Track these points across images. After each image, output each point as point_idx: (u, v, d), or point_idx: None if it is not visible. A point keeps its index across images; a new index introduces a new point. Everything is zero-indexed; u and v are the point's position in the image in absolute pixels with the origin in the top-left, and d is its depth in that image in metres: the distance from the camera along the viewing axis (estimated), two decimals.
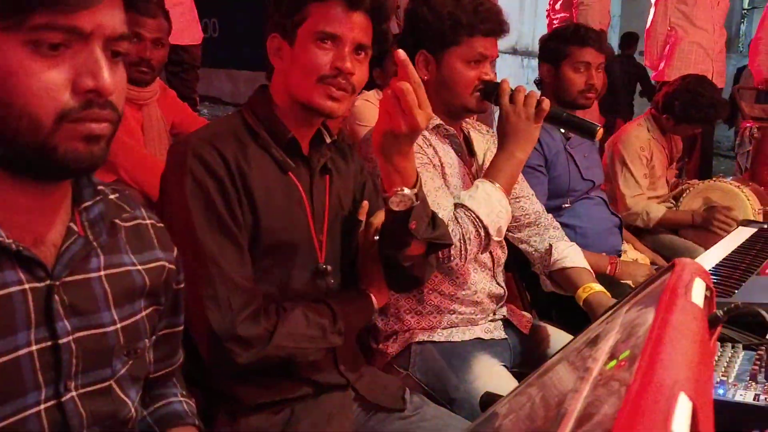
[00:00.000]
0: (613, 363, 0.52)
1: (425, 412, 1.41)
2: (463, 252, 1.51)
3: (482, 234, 1.52)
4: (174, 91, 2.56)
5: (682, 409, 0.37)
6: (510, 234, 1.87)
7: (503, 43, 5.07)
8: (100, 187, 0.90)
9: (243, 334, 1.17)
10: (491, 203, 1.53)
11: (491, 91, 1.62)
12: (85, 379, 0.84)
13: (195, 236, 1.18)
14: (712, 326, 0.58)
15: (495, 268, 1.77)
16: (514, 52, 6.98)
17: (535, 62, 7.01)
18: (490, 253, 1.74)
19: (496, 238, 1.56)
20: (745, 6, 7.87)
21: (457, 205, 1.54)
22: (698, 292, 0.59)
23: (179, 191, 1.19)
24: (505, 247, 1.84)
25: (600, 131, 1.60)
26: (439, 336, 1.67)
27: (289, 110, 1.29)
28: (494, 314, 1.78)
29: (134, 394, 0.92)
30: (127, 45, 0.80)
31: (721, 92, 3.98)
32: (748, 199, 2.84)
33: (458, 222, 1.51)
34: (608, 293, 1.72)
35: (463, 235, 1.50)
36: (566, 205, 2.38)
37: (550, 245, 1.84)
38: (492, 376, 1.57)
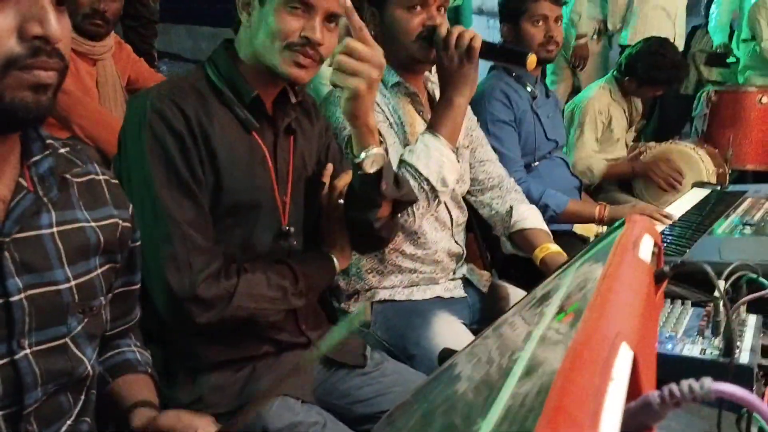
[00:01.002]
0: (562, 315, 0.54)
1: (385, 368, 1.43)
2: (410, 209, 1.51)
3: (425, 187, 1.52)
4: (130, 46, 2.48)
5: (623, 358, 0.39)
6: (473, 198, 1.89)
7: (469, 4, 4.98)
8: (49, 141, 0.88)
9: (203, 295, 1.16)
10: (431, 154, 1.52)
11: (431, 36, 1.57)
12: (39, 337, 0.84)
13: (154, 194, 1.16)
14: (658, 281, 0.60)
15: (453, 227, 1.78)
16: (480, 12, 6.91)
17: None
18: (449, 212, 1.76)
19: (441, 188, 1.54)
20: None
21: (399, 163, 1.53)
22: (646, 249, 0.61)
23: (138, 147, 1.17)
24: (464, 207, 1.85)
25: (532, 58, 1.55)
26: (401, 295, 1.69)
27: (253, 68, 1.26)
28: (454, 273, 1.81)
29: (90, 352, 0.92)
30: None
31: (682, 55, 4.04)
32: (703, 161, 2.91)
33: None
34: (564, 253, 1.76)
35: None
36: (535, 164, 2.40)
37: (511, 207, 1.86)
38: (451, 333, 1.60)
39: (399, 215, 1.47)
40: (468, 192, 1.87)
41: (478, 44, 1.53)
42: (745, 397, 0.37)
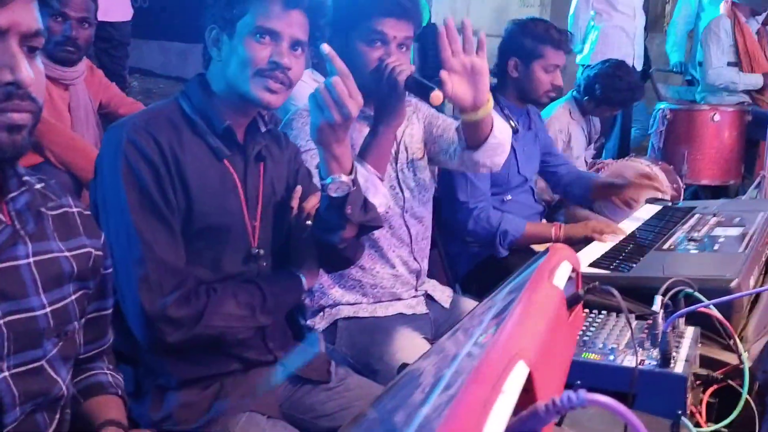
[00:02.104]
0: (483, 336, 0.62)
1: (349, 383, 1.50)
2: None
3: None
4: (102, 71, 2.53)
5: (518, 374, 0.47)
6: (442, 159, 1.91)
7: (438, 21, 5.09)
8: (25, 178, 0.94)
9: (173, 315, 1.23)
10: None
11: (382, 71, 1.62)
12: (17, 360, 0.90)
13: (128, 219, 1.22)
14: (572, 304, 0.68)
15: (413, 243, 1.86)
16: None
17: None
18: (407, 228, 1.84)
19: (384, 239, 1.66)
20: None
21: None
22: (562, 275, 0.69)
23: (113, 174, 1.24)
24: (424, 224, 1.93)
25: (437, 94, 1.51)
26: (364, 312, 1.77)
27: (226, 99, 1.34)
28: (416, 290, 1.89)
29: (65, 373, 0.98)
30: (42, 40, 0.86)
31: (639, 75, 4.19)
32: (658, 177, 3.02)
33: None
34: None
35: None
36: (508, 197, 2.48)
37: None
38: (413, 348, 1.67)
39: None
40: (438, 160, 1.92)
41: (403, 77, 1.58)
42: (613, 406, 0.45)
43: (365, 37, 1.65)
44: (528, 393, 0.49)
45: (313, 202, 1.43)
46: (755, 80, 4.41)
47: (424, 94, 1.60)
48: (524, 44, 2.37)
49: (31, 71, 0.83)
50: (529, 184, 2.58)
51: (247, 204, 1.37)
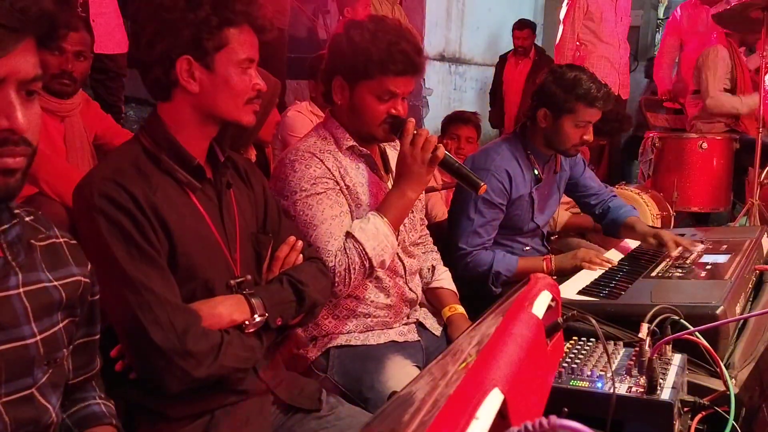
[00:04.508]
0: (463, 364, 0.64)
1: (340, 412, 1.51)
2: (347, 280, 1.63)
3: (366, 265, 1.65)
4: (97, 103, 2.56)
5: (492, 401, 0.49)
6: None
7: (432, 50, 5.19)
8: (16, 211, 0.97)
9: (193, 349, 1.23)
10: (379, 237, 1.65)
11: (397, 126, 1.72)
12: (8, 389, 0.91)
13: (121, 269, 1.22)
14: (552, 332, 0.70)
15: (407, 275, 1.89)
16: (441, 59, 7.16)
17: (462, 68, 7.02)
18: (402, 261, 1.87)
19: (378, 268, 1.70)
20: (660, 16, 8.36)
21: (347, 235, 1.65)
22: (541, 304, 0.72)
23: (94, 231, 1.23)
24: (416, 256, 1.96)
25: (483, 187, 1.68)
26: (356, 340, 1.78)
27: (195, 126, 1.35)
28: (408, 318, 1.90)
29: (55, 400, 0.99)
30: (40, 83, 0.88)
31: (626, 105, 4.25)
32: (647, 205, 3.06)
33: (346, 252, 1.63)
34: (466, 314, 2.01)
35: (349, 264, 1.62)
36: (528, 248, 2.50)
37: (433, 266, 2.08)
38: (404, 376, 1.68)
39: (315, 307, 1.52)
40: None
41: (441, 155, 1.67)
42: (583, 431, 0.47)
43: (376, 91, 1.70)
44: (504, 418, 0.50)
45: (285, 251, 1.48)
46: (754, 101, 4.25)
47: (464, 184, 1.73)
48: (556, 96, 2.28)
49: (26, 116, 0.85)
50: (540, 230, 2.57)
51: (227, 236, 1.38)
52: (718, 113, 4.32)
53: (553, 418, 0.47)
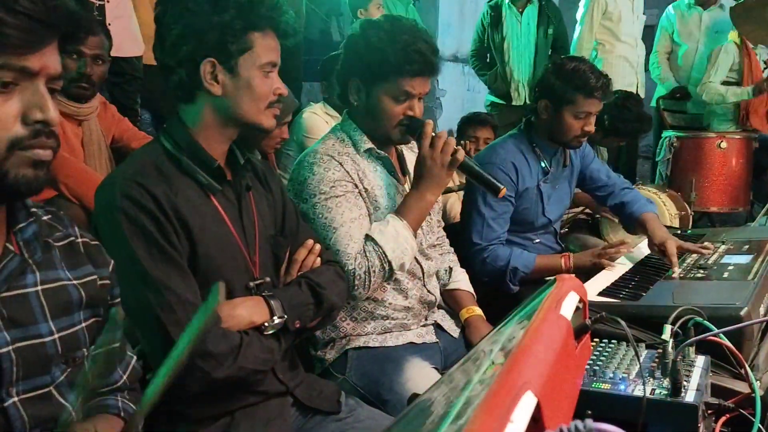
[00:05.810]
0: (491, 367, 0.63)
1: (359, 414, 1.50)
2: (366, 283, 1.63)
3: (386, 268, 1.65)
4: (114, 106, 2.58)
5: (526, 404, 0.48)
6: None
7: (445, 51, 5.19)
8: (33, 210, 0.97)
9: (213, 351, 1.23)
10: (398, 240, 1.65)
11: (415, 128, 1.72)
12: (26, 386, 0.92)
13: (142, 269, 1.23)
14: (580, 334, 0.69)
15: (425, 277, 1.88)
16: (455, 59, 7.15)
17: None
18: (420, 263, 1.86)
19: (397, 271, 1.70)
20: None
21: (367, 238, 1.65)
22: (569, 306, 0.71)
23: (116, 231, 1.24)
24: (433, 258, 1.96)
25: (503, 191, 1.70)
26: (374, 341, 1.77)
27: (216, 130, 1.35)
28: (426, 319, 1.89)
29: (73, 399, 0.99)
30: (61, 82, 0.91)
31: (644, 105, 4.22)
32: (665, 205, 3.03)
33: (366, 255, 1.63)
34: (483, 316, 1.99)
35: (369, 268, 1.62)
36: (537, 241, 2.49)
37: (450, 268, 2.07)
38: (422, 378, 1.67)
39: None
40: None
41: (461, 158, 1.68)
42: None
43: (393, 92, 1.71)
44: (537, 422, 0.50)
45: (302, 254, 1.47)
46: (744, 92, 4.36)
47: (483, 186, 1.76)
48: (556, 87, 2.29)
49: (56, 111, 0.87)
50: (552, 225, 2.56)
51: (246, 238, 1.39)
52: (707, 99, 4.37)
53: (589, 422, 0.47)
